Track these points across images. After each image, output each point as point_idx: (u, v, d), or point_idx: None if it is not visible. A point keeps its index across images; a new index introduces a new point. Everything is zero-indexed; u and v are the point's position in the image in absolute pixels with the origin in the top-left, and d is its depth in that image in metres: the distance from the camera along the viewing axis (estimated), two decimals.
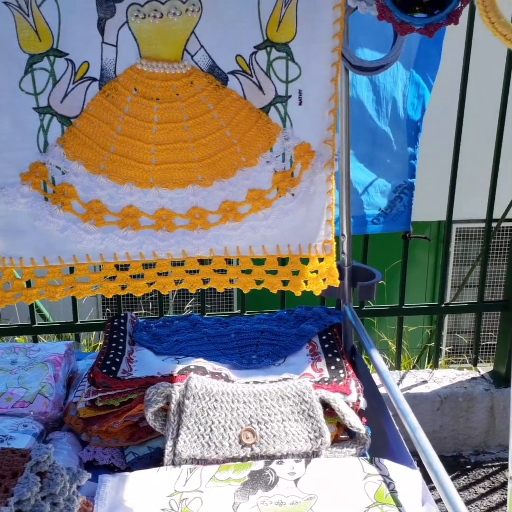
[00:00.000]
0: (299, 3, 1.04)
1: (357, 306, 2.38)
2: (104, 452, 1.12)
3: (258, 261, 1.23)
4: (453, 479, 2.34)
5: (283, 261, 1.23)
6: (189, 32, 1.04)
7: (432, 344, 2.93)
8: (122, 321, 1.36)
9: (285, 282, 1.25)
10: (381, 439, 1.20)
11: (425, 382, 2.46)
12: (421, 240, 2.40)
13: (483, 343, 3.20)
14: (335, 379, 1.20)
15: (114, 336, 1.30)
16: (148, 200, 1.16)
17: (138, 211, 1.16)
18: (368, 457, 1.10)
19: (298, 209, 1.20)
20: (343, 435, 1.16)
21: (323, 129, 1.15)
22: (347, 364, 1.26)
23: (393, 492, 0.98)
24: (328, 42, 1.09)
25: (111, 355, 1.23)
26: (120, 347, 1.27)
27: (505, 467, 2.39)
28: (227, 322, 1.44)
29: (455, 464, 2.43)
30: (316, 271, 1.24)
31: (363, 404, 1.19)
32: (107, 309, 3.60)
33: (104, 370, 1.16)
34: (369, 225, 2.24)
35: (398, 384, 2.45)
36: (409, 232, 2.27)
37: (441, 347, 2.63)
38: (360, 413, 1.18)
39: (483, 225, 2.42)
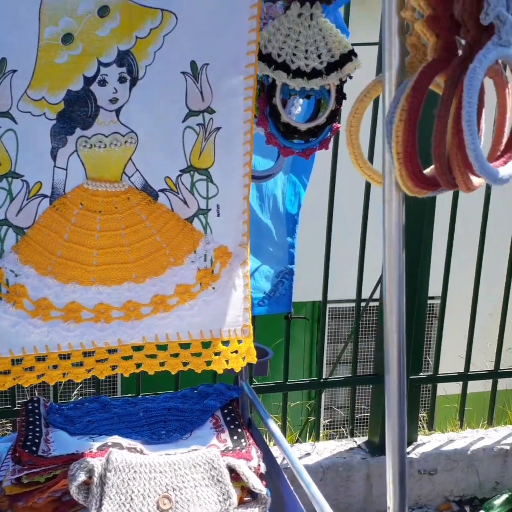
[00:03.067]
0: (216, 139, 1.28)
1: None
2: None
3: (185, 345, 1.39)
4: None
5: (206, 345, 1.41)
6: (127, 159, 1.25)
7: (313, 418, 3.13)
8: (36, 404, 1.45)
9: (208, 363, 1.40)
10: (279, 498, 1.36)
11: (308, 454, 2.63)
12: (298, 320, 2.64)
13: (358, 416, 3.46)
14: (238, 448, 1.35)
15: (30, 418, 1.39)
16: (89, 296, 1.30)
17: (80, 306, 1.29)
18: None
19: (219, 299, 1.38)
20: (247, 497, 1.30)
21: (238, 235, 1.38)
22: (247, 434, 1.42)
23: None
24: (240, 169, 1.33)
25: (29, 436, 1.31)
26: (37, 429, 1.35)
27: None
28: (135, 402, 1.56)
29: None
30: (236, 351, 1.42)
31: (263, 468, 1.35)
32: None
33: (26, 450, 1.25)
34: (255, 307, 2.44)
35: (283, 457, 2.61)
36: (291, 313, 2.50)
37: (321, 421, 2.83)
38: (261, 476, 1.34)
39: (353, 305, 2.70)
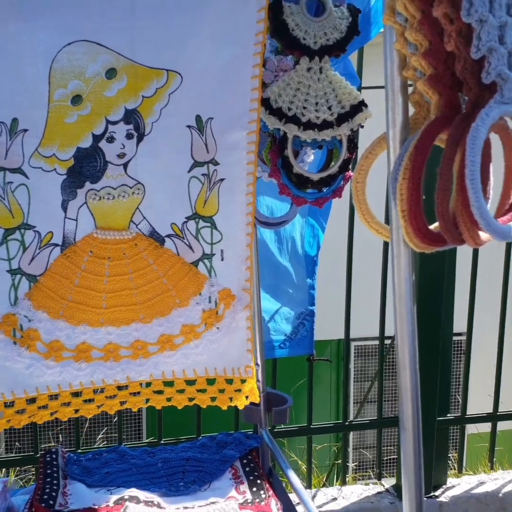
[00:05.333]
0: (220, 189, 1.33)
1: (269, 428, 2.52)
2: None
3: (190, 382, 1.45)
4: None
5: (211, 382, 1.46)
6: (134, 208, 1.29)
7: (340, 461, 3.08)
8: (54, 456, 1.44)
9: (213, 399, 1.46)
10: None
11: (335, 499, 2.58)
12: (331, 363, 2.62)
13: (387, 457, 3.39)
14: (257, 500, 1.33)
15: (48, 471, 1.38)
16: (98, 337, 1.35)
17: (90, 346, 1.35)
18: None
19: (223, 339, 1.44)
20: None
21: (241, 280, 1.42)
22: (267, 485, 1.40)
23: None
24: (243, 218, 1.37)
25: (47, 490, 1.31)
26: (55, 482, 1.35)
27: None
28: (153, 452, 1.55)
29: None
30: (239, 390, 1.48)
31: None
32: (16, 443, 3.53)
33: (43, 504, 1.24)
34: (277, 350, 2.43)
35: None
36: (313, 355, 2.48)
37: (347, 464, 2.78)
38: None
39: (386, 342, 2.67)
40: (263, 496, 1.35)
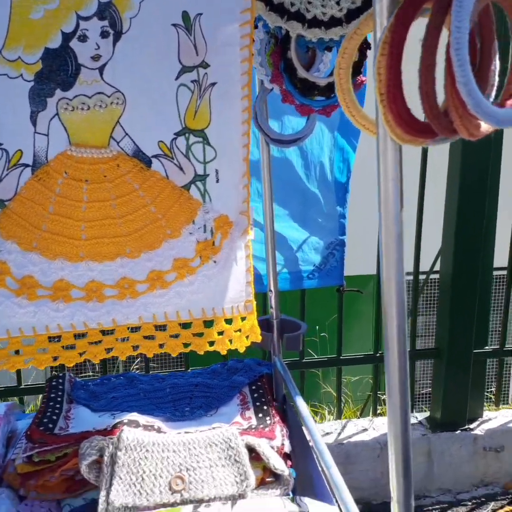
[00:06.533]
0: (211, 95, 1.18)
1: (297, 358, 2.48)
2: (42, 505, 1.17)
3: (185, 325, 1.32)
4: None
5: (209, 324, 1.33)
6: (114, 122, 1.16)
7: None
8: (60, 381, 1.43)
9: (211, 343, 1.33)
10: (308, 480, 1.28)
11: (365, 430, 2.54)
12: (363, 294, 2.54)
13: (423, 391, 3.32)
14: (261, 426, 1.28)
15: (52, 395, 1.37)
16: (78, 273, 1.23)
17: (69, 284, 1.22)
18: (292, 496, 1.18)
19: (221, 274, 1.30)
20: (269, 478, 1.24)
21: (239, 202, 1.28)
22: (273, 411, 1.34)
23: None
24: (239, 127, 1.22)
25: (48, 413, 1.29)
26: (57, 406, 1.33)
27: (444, 510, 2.48)
28: (163, 378, 1.52)
29: None
30: (239, 330, 1.34)
31: (287, 448, 1.27)
32: (55, 371, 3.60)
33: (41, 428, 1.22)
34: (305, 280, 2.36)
35: (339, 433, 2.53)
36: (343, 286, 2.40)
37: (379, 395, 2.73)
38: (285, 456, 1.26)
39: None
40: (268, 422, 1.30)
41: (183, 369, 2.39)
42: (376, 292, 2.77)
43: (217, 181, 1.24)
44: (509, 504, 2.51)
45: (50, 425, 1.24)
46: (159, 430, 1.25)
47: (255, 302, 1.36)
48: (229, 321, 1.33)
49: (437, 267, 2.79)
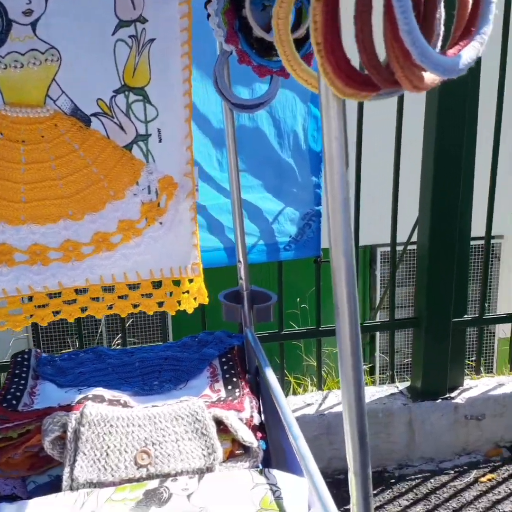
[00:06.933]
0: (150, 52, 1.15)
1: (276, 331, 2.47)
2: (6, 482, 1.15)
3: (134, 287, 1.31)
4: (378, 494, 2.42)
5: (157, 285, 1.31)
6: (50, 80, 1.12)
7: (366, 364, 3.03)
8: (26, 356, 1.40)
9: (160, 304, 1.33)
10: (281, 453, 1.27)
11: None
12: None
13: (406, 362, 3.32)
14: (230, 398, 1.26)
15: (17, 371, 1.34)
16: (20, 237, 1.21)
17: (11, 248, 1.21)
18: (260, 468, 1.16)
19: (167, 235, 1.29)
20: (238, 450, 1.22)
21: (182, 163, 1.26)
22: (243, 383, 1.33)
23: (278, 498, 1.04)
24: (180, 85, 1.20)
25: (12, 390, 1.26)
26: (22, 382, 1.31)
27: (427, 478, 2.49)
28: (132, 352, 1.49)
29: (380, 479, 2.50)
30: (187, 291, 1.34)
31: (256, 420, 1.26)
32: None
33: (4, 404, 1.20)
34: (282, 252, 2.33)
35: (320, 404, 2.53)
36: (320, 257, 2.38)
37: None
38: (255, 428, 1.25)
39: (409, 247, 2.55)
40: (237, 394, 1.28)
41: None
42: (367, 265, 2.76)
43: (160, 141, 1.22)
44: (491, 472, 2.53)
45: (14, 402, 1.22)
46: (125, 405, 1.23)
47: (201, 265, 1.35)
48: (177, 283, 1.32)
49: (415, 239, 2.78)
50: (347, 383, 0.71)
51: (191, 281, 1.33)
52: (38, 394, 1.29)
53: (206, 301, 1.36)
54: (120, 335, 3.25)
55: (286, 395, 2.65)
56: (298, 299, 3.35)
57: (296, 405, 2.53)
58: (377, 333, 4.94)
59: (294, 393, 2.73)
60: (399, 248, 4.81)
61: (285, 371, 2.64)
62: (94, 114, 1.17)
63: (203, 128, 2.01)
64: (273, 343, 2.51)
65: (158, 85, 1.18)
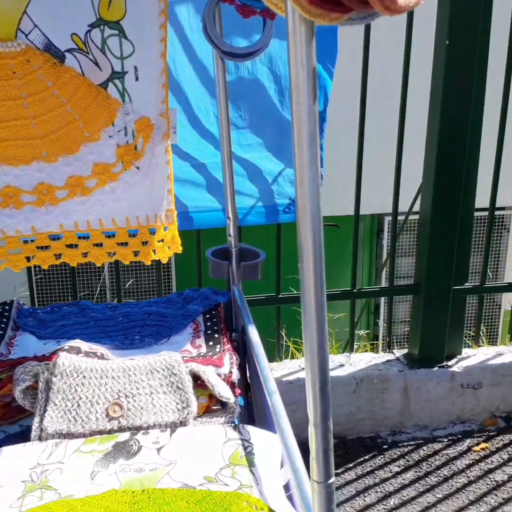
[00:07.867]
0: None
1: (274, 294, 2.44)
2: None
3: (110, 234, 1.27)
4: (369, 459, 2.41)
5: (133, 233, 1.28)
6: (20, 12, 1.06)
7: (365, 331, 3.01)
8: (7, 307, 1.38)
9: (136, 253, 1.29)
10: (263, 411, 1.25)
11: (342, 365, 2.52)
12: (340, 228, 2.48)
13: (405, 329, 3.29)
14: (210, 354, 1.24)
15: None
16: None
17: None
18: (235, 424, 1.14)
19: (144, 181, 1.24)
20: (215, 406, 1.20)
21: (158, 103, 1.20)
22: (224, 340, 1.30)
23: (249, 454, 1.02)
24: (155, 19, 1.13)
25: None
26: (0, 332, 1.29)
27: (420, 446, 2.48)
28: (116, 306, 1.47)
29: (373, 445, 2.50)
30: (162, 240, 1.30)
31: (235, 376, 1.23)
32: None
33: None
34: (281, 214, 2.29)
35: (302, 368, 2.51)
36: None
37: (356, 332, 2.70)
38: (233, 384, 1.22)
39: (415, 217, 2.51)
40: (218, 350, 1.26)
41: None
42: (374, 234, 2.72)
43: (137, 79, 1.17)
44: (485, 441, 2.51)
45: None
46: (102, 357, 1.21)
47: (176, 212, 1.31)
48: (152, 231, 1.29)
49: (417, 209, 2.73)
50: (309, 328, 0.68)
51: (165, 228, 1.30)
52: (16, 345, 1.27)
53: (179, 249, 1.32)
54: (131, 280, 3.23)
55: (283, 359, 2.63)
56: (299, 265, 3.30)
57: (291, 368, 2.51)
58: (382, 304, 4.92)
59: (293, 357, 2.72)
60: (411, 217, 4.77)
61: (282, 334, 2.62)
62: (69, 50, 1.11)
63: (202, 79, 1.94)
64: (271, 306, 2.49)
65: (134, 18, 1.12)
